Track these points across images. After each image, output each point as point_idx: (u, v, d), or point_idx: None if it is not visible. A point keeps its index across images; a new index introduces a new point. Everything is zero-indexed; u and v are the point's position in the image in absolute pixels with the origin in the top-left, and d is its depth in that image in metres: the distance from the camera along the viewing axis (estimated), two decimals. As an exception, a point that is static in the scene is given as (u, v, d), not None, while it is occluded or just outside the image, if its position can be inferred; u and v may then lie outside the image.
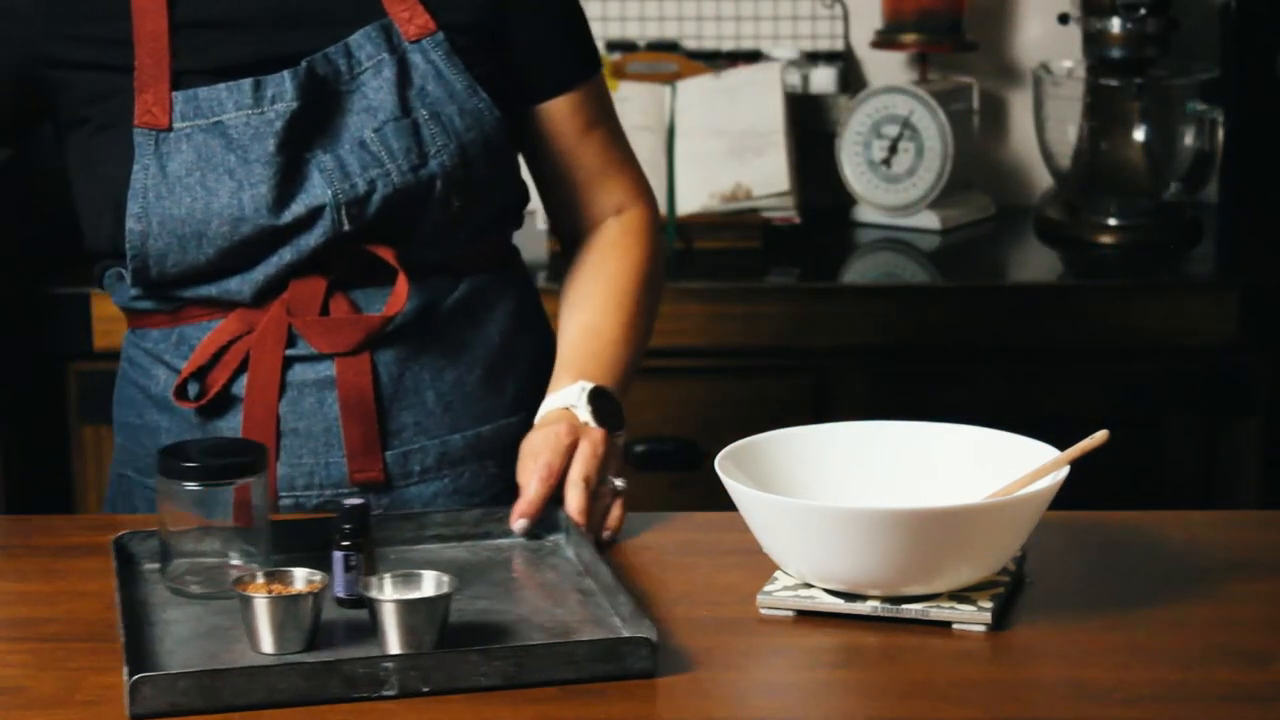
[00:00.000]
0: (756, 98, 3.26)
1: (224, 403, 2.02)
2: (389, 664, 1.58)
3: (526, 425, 2.02)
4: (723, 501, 1.79)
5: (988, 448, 1.85)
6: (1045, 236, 3.29)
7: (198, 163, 1.97)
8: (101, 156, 2.01)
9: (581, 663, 1.60)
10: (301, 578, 1.68)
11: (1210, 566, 1.85)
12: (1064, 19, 3.31)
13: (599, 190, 2.14)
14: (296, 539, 1.85)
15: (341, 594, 1.73)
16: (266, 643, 1.64)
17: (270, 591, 1.66)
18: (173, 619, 1.73)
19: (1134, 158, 3.27)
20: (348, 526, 1.74)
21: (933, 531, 1.67)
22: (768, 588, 1.76)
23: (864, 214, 3.37)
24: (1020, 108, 3.50)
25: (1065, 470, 1.75)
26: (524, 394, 2.09)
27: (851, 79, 3.49)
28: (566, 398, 2.00)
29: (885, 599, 1.72)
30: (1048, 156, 3.34)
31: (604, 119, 2.14)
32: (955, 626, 1.70)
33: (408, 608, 1.62)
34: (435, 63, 2.01)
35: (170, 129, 1.97)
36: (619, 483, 1.95)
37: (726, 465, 1.78)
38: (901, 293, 3.04)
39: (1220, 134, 3.24)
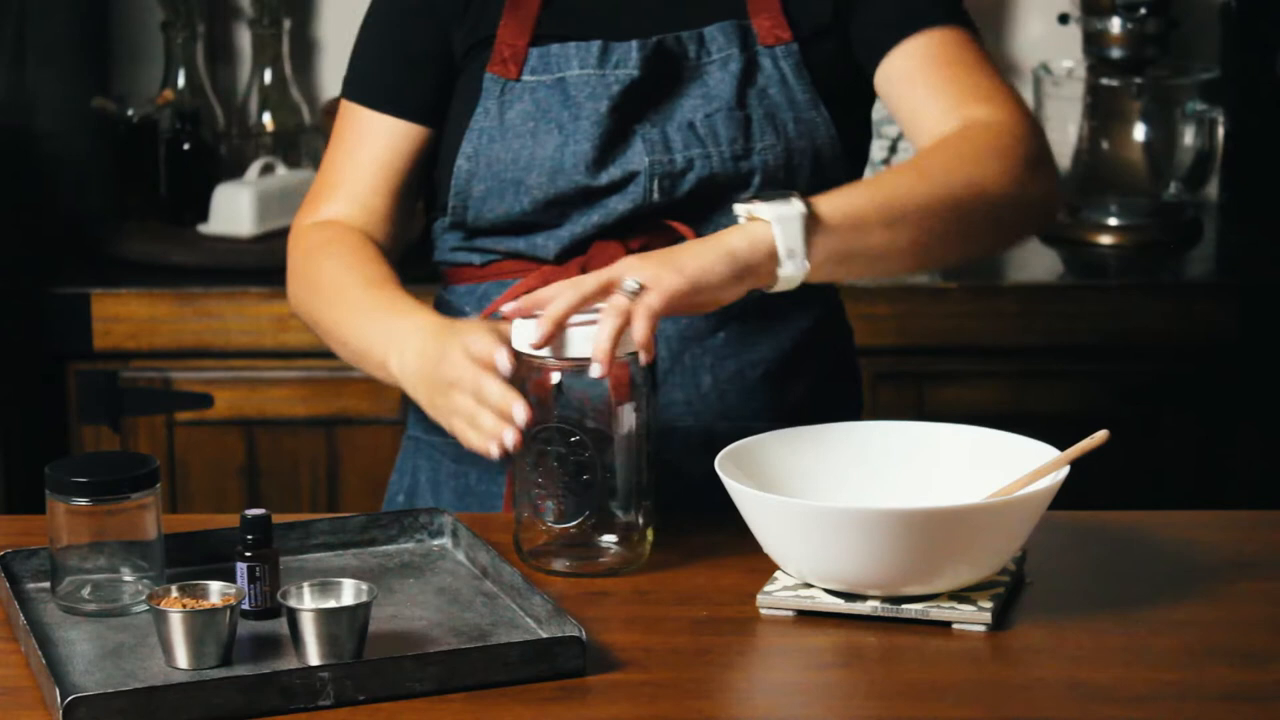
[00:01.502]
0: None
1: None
2: (325, 674, 1.57)
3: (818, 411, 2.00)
4: (723, 501, 1.79)
5: (988, 448, 1.85)
6: (1045, 236, 3.29)
7: (533, 113, 2.02)
8: (457, 106, 2.06)
9: (514, 664, 1.60)
10: (215, 591, 1.66)
11: (1210, 566, 1.85)
12: (1064, 19, 3.31)
13: (954, 120, 1.99)
14: (189, 551, 1.83)
15: (247, 605, 1.71)
16: (183, 658, 1.62)
17: (185, 606, 1.64)
18: (73, 638, 1.69)
19: (1134, 158, 3.27)
20: (250, 537, 1.73)
21: (933, 531, 1.67)
22: (768, 588, 1.76)
23: (864, 214, 3.36)
24: (1020, 108, 3.50)
25: (1065, 470, 1.75)
26: (803, 408, 2.07)
27: (851, 79, 3.49)
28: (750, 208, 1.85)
29: (885, 599, 1.72)
30: (1048, 156, 3.34)
31: (956, 59, 2.02)
32: (955, 626, 1.70)
33: (330, 617, 1.61)
34: (784, 70, 2.03)
35: (518, 79, 2.03)
36: (630, 282, 1.80)
37: (726, 465, 1.78)
38: (901, 293, 3.04)
39: (1220, 134, 3.24)
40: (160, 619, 1.63)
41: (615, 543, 1.84)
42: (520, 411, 1.77)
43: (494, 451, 1.79)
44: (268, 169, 3.29)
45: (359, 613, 1.62)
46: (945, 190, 1.91)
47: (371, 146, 2.08)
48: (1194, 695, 1.59)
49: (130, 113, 3.34)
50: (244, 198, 3.22)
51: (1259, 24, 3.32)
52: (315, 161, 3.43)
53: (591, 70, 2.02)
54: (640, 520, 1.84)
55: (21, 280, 3.06)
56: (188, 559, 1.82)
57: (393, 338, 1.93)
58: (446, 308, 2.10)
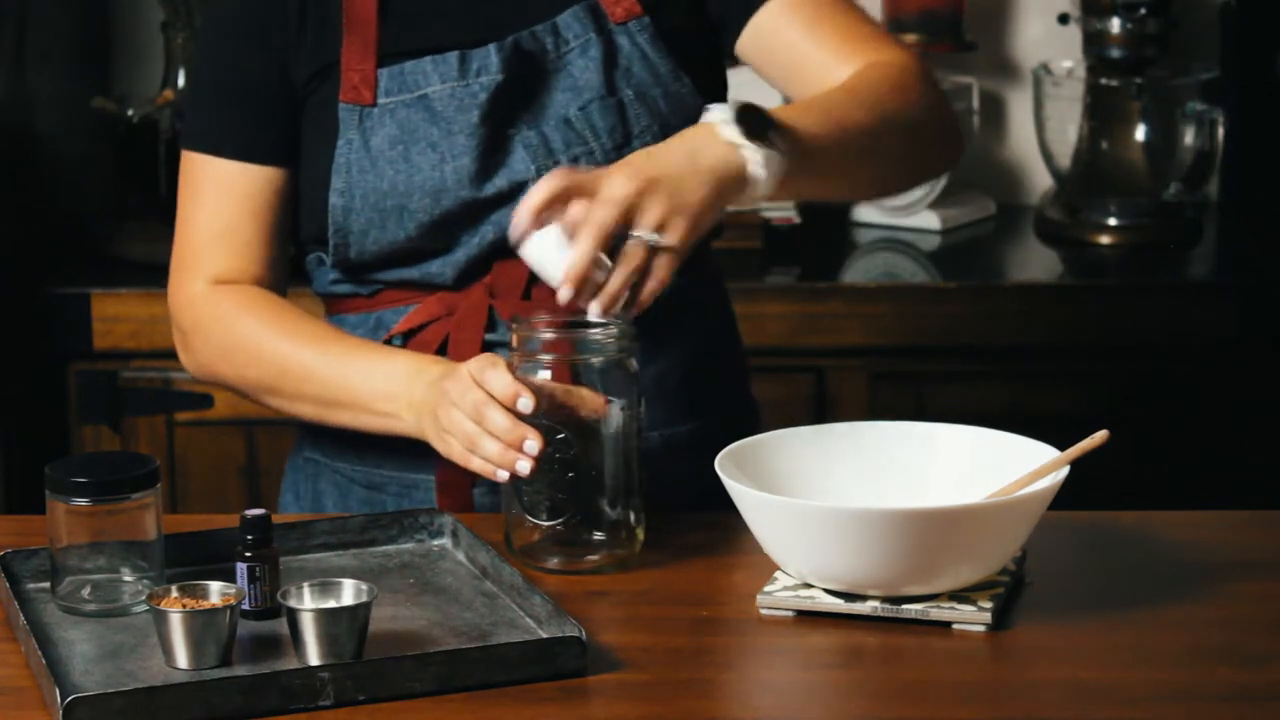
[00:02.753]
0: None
1: None
2: (325, 674, 1.57)
3: (720, 428, 1.99)
4: (723, 501, 1.79)
5: (988, 448, 1.84)
6: (1045, 236, 3.29)
7: (400, 136, 1.98)
8: (310, 139, 2.02)
9: (515, 664, 1.60)
10: (215, 591, 1.66)
11: (1210, 566, 1.85)
12: (1064, 19, 3.31)
13: (845, 66, 2.02)
14: (189, 551, 1.83)
15: (247, 605, 1.71)
16: (183, 658, 1.62)
17: (185, 606, 1.63)
18: (73, 638, 1.69)
19: (1134, 158, 3.27)
20: (250, 537, 1.73)
21: (933, 531, 1.67)
22: (768, 588, 1.76)
23: (864, 214, 3.37)
24: (1020, 108, 3.50)
25: (1065, 470, 1.75)
26: (720, 399, 2.08)
27: (851, 79, 3.48)
28: (709, 115, 1.87)
29: (885, 599, 1.72)
30: (1048, 156, 3.34)
31: (833, 9, 2.04)
32: (955, 626, 1.70)
33: (330, 617, 1.61)
34: (641, 45, 2.01)
35: (374, 104, 1.98)
36: (647, 235, 1.81)
37: (726, 465, 1.78)
38: (901, 293, 3.04)
39: (1220, 134, 3.23)
40: (160, 619, 1.63)
41: (604, 540, 1.84)
42: (534, 445, 1.78)
43: (503, 477, 1.80)
44: (268, 169, 3.29)
45: (359, 613, 1.62)
46: (879, 114, 1.95)
47: (233, 196, 2.02)
48: (1194, 695, 1.59)
49: (130, 113, 3.34)
50: (244, 198, 3.21)
51: (1259, 24, 3.32)
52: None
53: (454, 83, 1.98)
54: (630, 518, 1.84)
55: (21, 280, 3.06)
56: (188, 559, 1.82)
57: (395, 375, 1.91)
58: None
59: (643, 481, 1.85)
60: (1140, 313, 3.04)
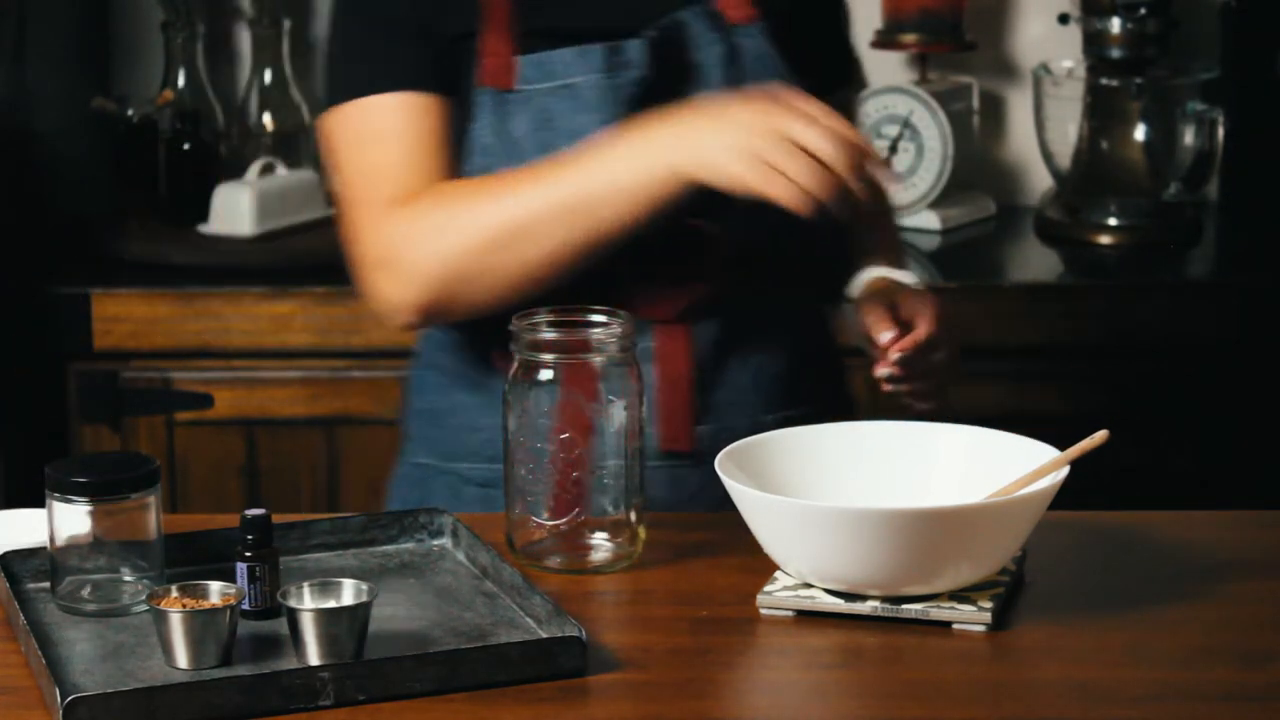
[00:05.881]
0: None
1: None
2: (325, 674, 1.57)
3: (817, 419, 2.00)
4: (722, 501, 1.79)
5: (988, 448, 1.85)
6: (1045, 236, 3.29)
7: (541, 124, 1.99)
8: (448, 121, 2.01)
9: (515, 664, 1.60)
10: (215, 591, 1.66)
11: (1210, 566, 1.85)
12: (1064, 19, 3.31)
13: None
14: (189, 551, 1.83)
15: (247, 605, 1.71)
16: (183, 658, 1.62)
17: (185, 606, 1.63)
18: (73, 638, 1.69)
19: (1134, 158, 3.27)
20: (250, 537, 1.73)
21: (933, 531, 1.67)
22: (768, 588, 1.76)
23: (864, 214, 3.36)
24: (1020, 108, 3.50)
25: (1065, 470, 1.75)
26: (817, 391, 2.12)
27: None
28: (905, 276, 2.09)
29: (885, 599, 1.72)
30: (1048, 156, 3.34)
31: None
32: (955, 626, 1.70)
33: (330, 616, 1.61)
34: (760, 47, 2.04)
35: (513, 90, 1.99)
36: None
37: (726, 465, 1.78)
38: (901, 293, 3.04)
39: (1220, 134, 3.24)
40: (160, 619, 1.62)
41: (607, 539, 1.84)
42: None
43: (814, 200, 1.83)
44: (268, 169, 3.29)
45: (359, 613, 1.62)
46: None
47: (403, 129, 1.98)
48: (1194, 695, 1.59)
49: (130, 113, 3.34)
50: (244, 198, 3.22)
51: (1259, 24, 3.32)
52: (315, 161, 3.43)
53: (599, 74, 2.00)
54: (631, 517, 1.84)
55: (21, 280, 3.06)
56: (188, 559, 1.82)
57: (621, 139, 1.92)
58: (441, 333, 2.08)
59: (644, 481, 1.85)
60: (1140, 313, 3.04)
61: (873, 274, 2.10)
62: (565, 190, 1.93)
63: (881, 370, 1.97)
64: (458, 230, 1.94)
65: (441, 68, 2.01)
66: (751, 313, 2.06)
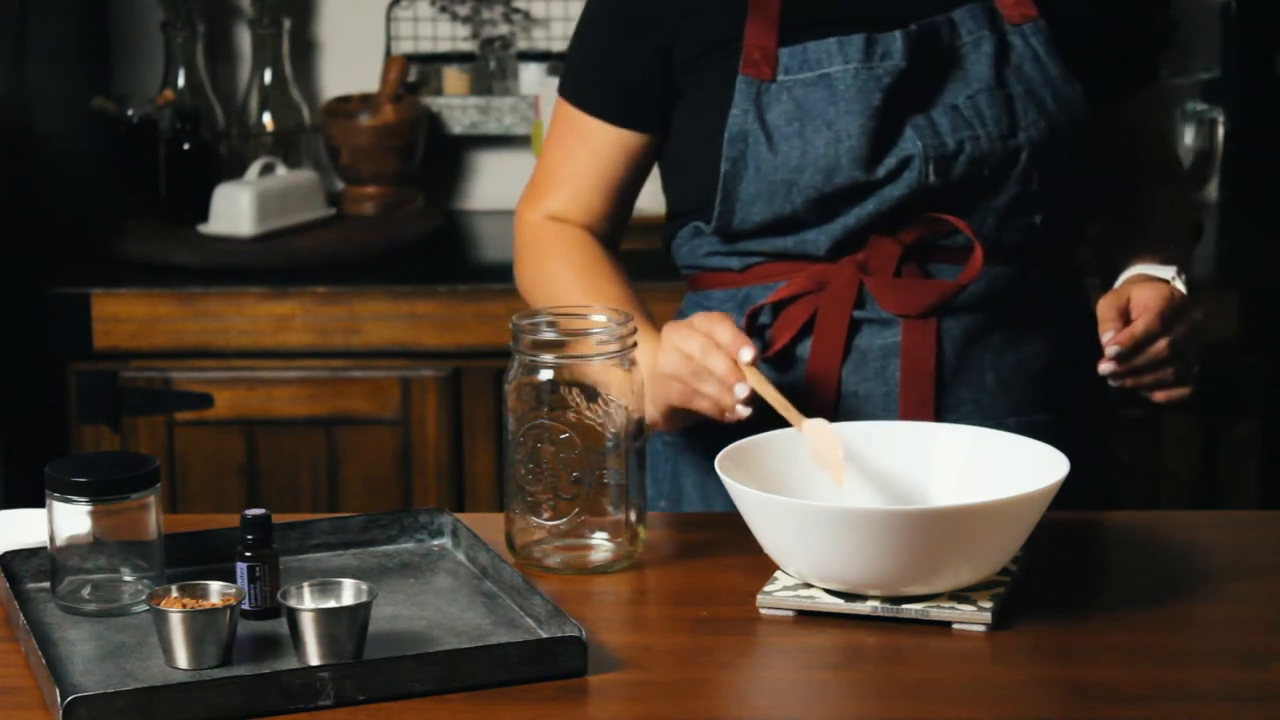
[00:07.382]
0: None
1: (785, 362, 2.03)
2: (325, 674, 1.57)
3: (1076, 422, 2.05)
4: (722, 501, 1.79)
5: (988, 448, 1.85)
6: (1045, 236, 3.28)
7: (797, 113, 2.01)
8: (699, 109, 2.06)
9: (515, 664, 1.60)
10: (215, 591, 1.66)
11: (1210, 566, 1.85)
12: (1064, 19, 3.30)
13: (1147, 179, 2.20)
14: (189, 551, 1.82)
15: (247, 605, 1.71)
16: (183, 658, 1.62)
17: (185, 606, 1.63)
18: (73, 638, 1.69)
19: (1134, 158, 3.27)
20: (250, 537, 1.73)
21: (933, 531, 1.67)
22: (768, 588, 1.76)
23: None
24: (1020, 108, 3.49)
25: (1065, 470, 1.75)
26: (1077, 395, 2.10)
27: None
28: (1164, 271, 2.05)
29: (885, 599, 1.72)
30: (1048, 156, 3.34)
31: (1164, 126, 2.19)
32: (955, 626, 1.70)
33: (330, 616, 1.61)
34: (1034, 47, 2.04)
35: (773, 80, 2.02)
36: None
37: (726, 465, 1.78)
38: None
39: (1220, 134, 3.23)
40: (160, 619, 1.62)
41: (607, 539, 1.84)
42: (743, 390, 1.86)
43: (741, 414, 1.87)
44: (268, 169, 3.29)
45: (359, 613, 1.62)
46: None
47: (591, 150, 2.13)
48: (1194, 695, 1.59)
49: (130, 113, 3.34)
50: (244, 198, 3.22)
51: (1259, 24, 3.32)
52: (315, 161, 3.44)
53: (858, 64, 2.01)
54: (631, 518, 1.84)
55: (21, 280, 3.06)
56: (188, 559, 1.82)
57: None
58: (700, 311, 2.08)
59: (644, 482, 1.85)
60: (1140, 313, 3.03)
61: (1132, 271, 2.06)
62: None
63: (1102, 367, 1.94)
64: (534, 296, 2.15)
65: (645, 104, 2.10)
66: (1004, 312, 2.04)
